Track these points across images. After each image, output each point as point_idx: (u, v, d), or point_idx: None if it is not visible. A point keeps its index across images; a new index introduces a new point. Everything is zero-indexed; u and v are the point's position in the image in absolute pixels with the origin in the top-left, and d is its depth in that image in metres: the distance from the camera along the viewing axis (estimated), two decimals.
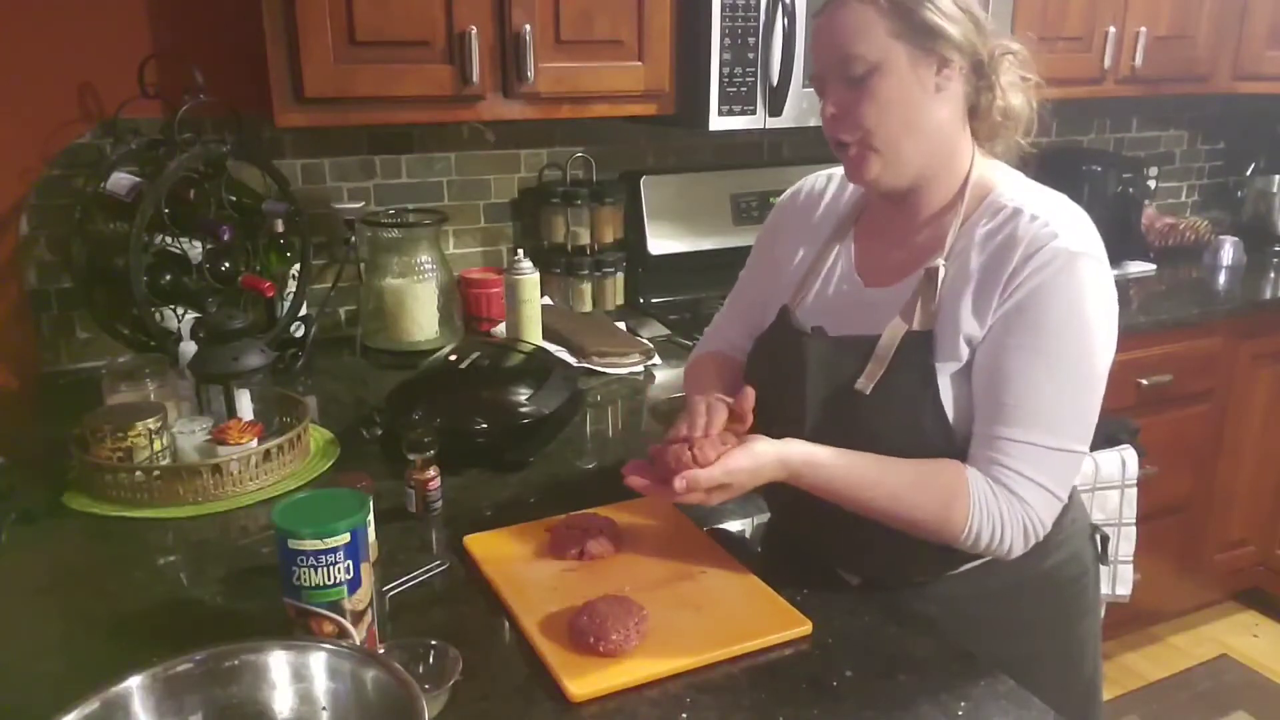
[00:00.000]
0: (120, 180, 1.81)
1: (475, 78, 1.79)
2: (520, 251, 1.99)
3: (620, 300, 2.34)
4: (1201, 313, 2.48)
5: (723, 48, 1.93)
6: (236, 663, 0.82)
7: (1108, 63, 2.46)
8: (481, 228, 2.27)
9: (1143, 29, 2.47)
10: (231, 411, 1.47)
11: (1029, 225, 1.05)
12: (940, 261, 1.09)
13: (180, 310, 1.83)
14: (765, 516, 1.34)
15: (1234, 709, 2.52)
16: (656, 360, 1.97)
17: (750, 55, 1.97)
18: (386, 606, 1.11)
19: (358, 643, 0.93)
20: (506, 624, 1.09)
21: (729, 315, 1.41)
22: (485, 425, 1.47)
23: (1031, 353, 1.03)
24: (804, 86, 2.01)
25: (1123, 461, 2.08)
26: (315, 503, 0.95)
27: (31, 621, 1.12)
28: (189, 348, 1.63)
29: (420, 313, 2.03)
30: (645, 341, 2.03)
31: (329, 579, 0.90)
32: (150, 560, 1.25)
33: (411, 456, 1.32)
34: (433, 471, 1.33)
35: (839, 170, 1.26)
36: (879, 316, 1.12)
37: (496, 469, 1.47)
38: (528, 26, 1.81)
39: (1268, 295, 2.62)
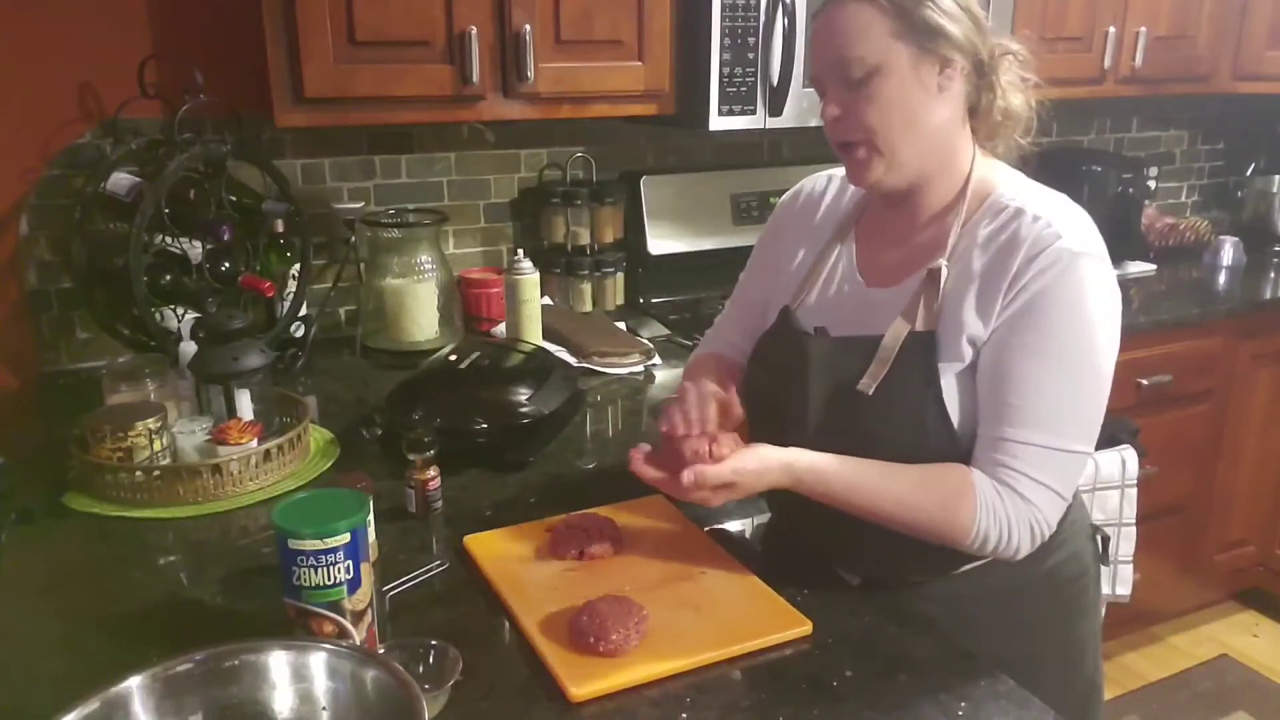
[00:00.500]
0: (120, 180, 1.81)
1: (475, 78, 1.79)
2: (520, 251, 1.99)
3: (620, 300, 2.34)
4: (1201, 313, 2.48)
5: (723, 48, 1.93)
6: (236, 663, 0.82)
7: (1108, 63, 2.46)
8: (481, 228, 2.27)
9: (1143, 29, 2.47)
10: (231, 411, 1.47)
11: (1032, 226, 1.05)
12: (942, 262, 1.09)
13: (180, 310, 1.83)
14: (765, 516, 1.35)
15: (1234, 709, 2.51)
16: (656, 360, 1.97)
17: (750, 55, 1.97)
18: (386, 606, 1.11)
19: (358, 643, 0.93)
20: (506, 624, 1.08)
21: (729, 317, 1.41)
22: (485, 425, 1.47)
23: (1036, 354, 1.03)
24: (804, 86, 2.01)
25: (1123, 461, 2.08)
26: (315, 503, 0.95)
27: (31, 621, 1.12)
28: (189, 348, 1.63)
29: (420, 313, 2.03)
30: (645, 341, 2.03)
31: (329, 579, 0.90)
32: (150, 560, 1.25)
33: (411, 456, 1.32)
34: (433, 471, 1.33)
35: (839, 171, 1.26)
36: (881, 317, 1.12)
37: (496, 469, 1.47)
38: (528, 26, 1.81)
39: (1268, 295, 2.62)
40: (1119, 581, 2.12)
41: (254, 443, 1.42)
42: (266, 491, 1.40)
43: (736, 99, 1.98)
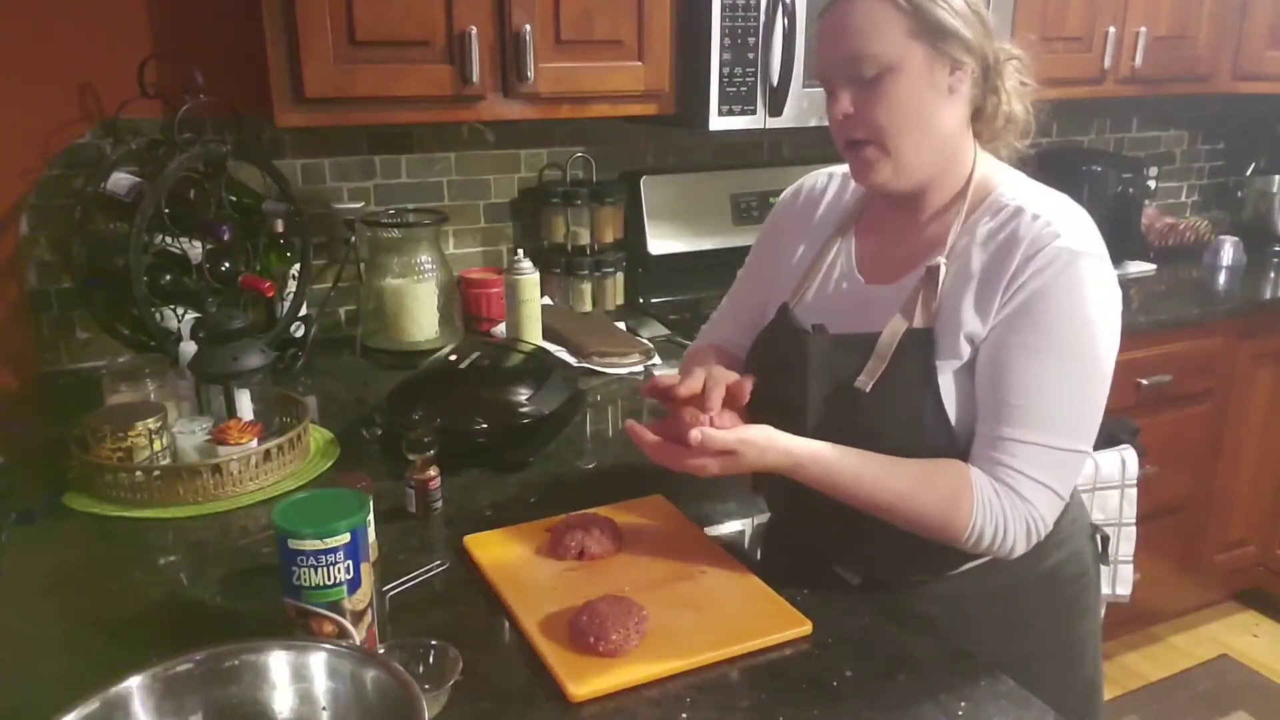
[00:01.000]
0: (120, 180, 1.81)
1: (475, 78, 1.79)
2: (520, 251, 1.99)
3: (620, 300, 2.34)
4: (1201, 313, 2.48)
5: (723, 48, 1.93)
6: (236, 663, 0.82)
7: (1108, 63, 2.46)
8: (481, 228, 2.27)
9: (1143, 29, 2.47)
10: (231, 411, 1.47)
11: (1031, 224, 1.05)
12: (941, 260, 1.09)
13: (180, 310, 1.83)
14: (765, 516, 1.34)
15: (1234, 709, 2.51)
16: (656, 360, 1.97)
17: (750, 55, 1.97)
18: (386, 606, 1.11)
19: (358, 643, 0.93)
20: (506, 624, 1.08)
21: (726, 313, 1.40)
22: (485, 425, 1.47)
23: (1035, 352, 1.03)
24: (804, 86, 2.01)
25: (1123, 461, 2.09)
26: (315, 503, 0.95)
27: (32, 621, 1.12)
28: (189, 348, 1.63)
29: (420, 313, 2.03)
30: (645, 341, 2.03)
31: (329, 579, 0.90)
32: (150, 560, 1.25)
33: (411, 456, 1.32)
34: (433, 471, 1.33)
35: (840, 168, 1.26)
36: (880, 314, 1.12)
37: (496, 469, 1.47)
38: (528, 26, 1.81)
39: (1268, 295, 2.62)
40: (1119, 581, 2.12)
41: (254, 443, 1.42)
42: (266, 491, 1.40)
43: (736, 99, 1.98)
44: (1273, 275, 2.80)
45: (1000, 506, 1.05)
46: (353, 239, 2.03)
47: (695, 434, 1.04)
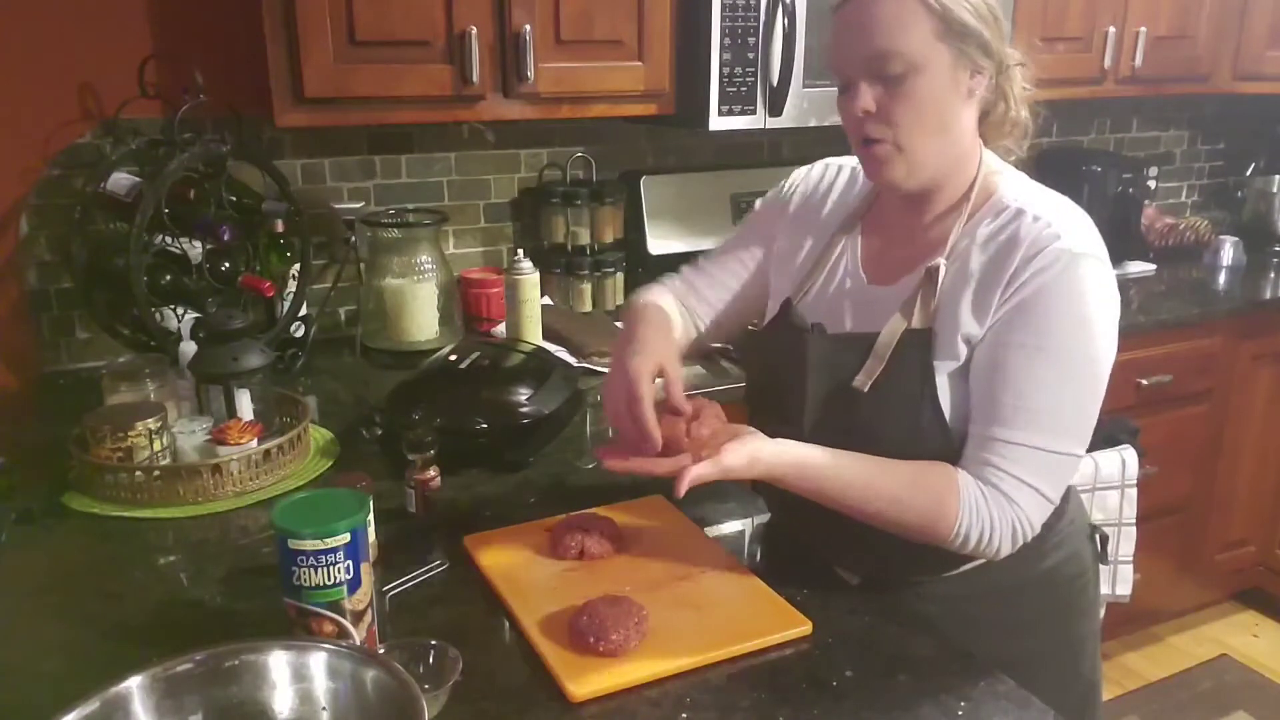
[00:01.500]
0: (120, 180, 1.81)
1: (475, 78, 1.79)
2: (520, 251, 1.99)
3: (620, 300, 2.33)
4: (1201, 313, 2.48)
5: (723, 48, 1.93)
6: (236, 663, 0.82)
7: (1108, 63, 2.46)
8: (481, 228, 2.27)
9: (1143, 29, 2.47)
10: (231, 411, 1.47)
11: (1031, 226, 1.05)
12: (941, 260, 1.09)
13: (180, 310, 1.83)
14: (765, 516, 1.35)
15: (1234, 709, 2.51)
16: None
17: (750, 55, 1.97)
18: (386, 606, 1.11)
19: (358, 643, 0.93)
20: (506, 624, 1.08)
21: (704, 273, 1.38)
22: (485, 425, 1.47)
23: (1032, 352, 1.03)
24: (804, 86, 2.01)
25: (1123, 461, 2.08)
26: (315, 503, 0.95)
27: (32, 621, 1.12)
28: (189, 348, 1.63)
29: (420, 313, 2.03)
30: None
31: (329, 579, 0.90)
32: (150, 560, 1.25)
33: (411, 456, 1.32)
34: (433, 471, 1.33)
35: (848, 160, 1.26)
36: (880, 314, 1.12)
37: (496, 469, 1.47)
38: (528, 26, 1.81)
39: (1268, 295, 2.62)
40: (1119, 581, 2.12)
41: (254, 443, 1.42)
42: (266, 491, 1.40)
43: (736, 99, 1.98)
44: (1273, 275, 2.80)
45: (987, 509, 1.04)
46: (353, 239, 2.03)
47: (681, 489, 1.02)
